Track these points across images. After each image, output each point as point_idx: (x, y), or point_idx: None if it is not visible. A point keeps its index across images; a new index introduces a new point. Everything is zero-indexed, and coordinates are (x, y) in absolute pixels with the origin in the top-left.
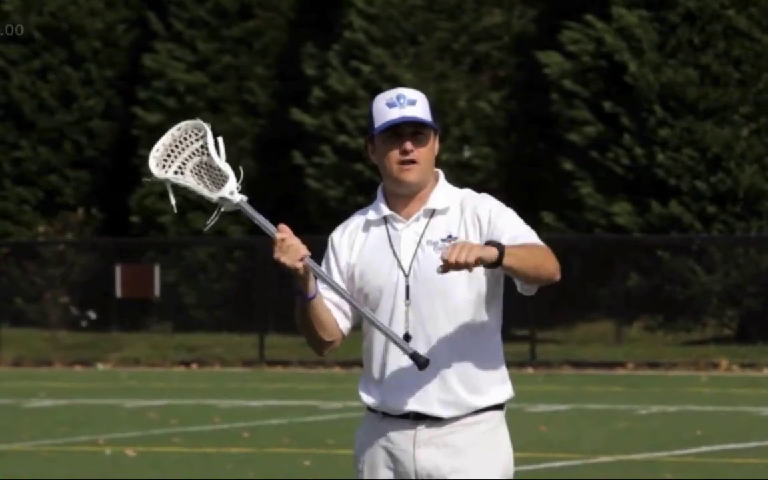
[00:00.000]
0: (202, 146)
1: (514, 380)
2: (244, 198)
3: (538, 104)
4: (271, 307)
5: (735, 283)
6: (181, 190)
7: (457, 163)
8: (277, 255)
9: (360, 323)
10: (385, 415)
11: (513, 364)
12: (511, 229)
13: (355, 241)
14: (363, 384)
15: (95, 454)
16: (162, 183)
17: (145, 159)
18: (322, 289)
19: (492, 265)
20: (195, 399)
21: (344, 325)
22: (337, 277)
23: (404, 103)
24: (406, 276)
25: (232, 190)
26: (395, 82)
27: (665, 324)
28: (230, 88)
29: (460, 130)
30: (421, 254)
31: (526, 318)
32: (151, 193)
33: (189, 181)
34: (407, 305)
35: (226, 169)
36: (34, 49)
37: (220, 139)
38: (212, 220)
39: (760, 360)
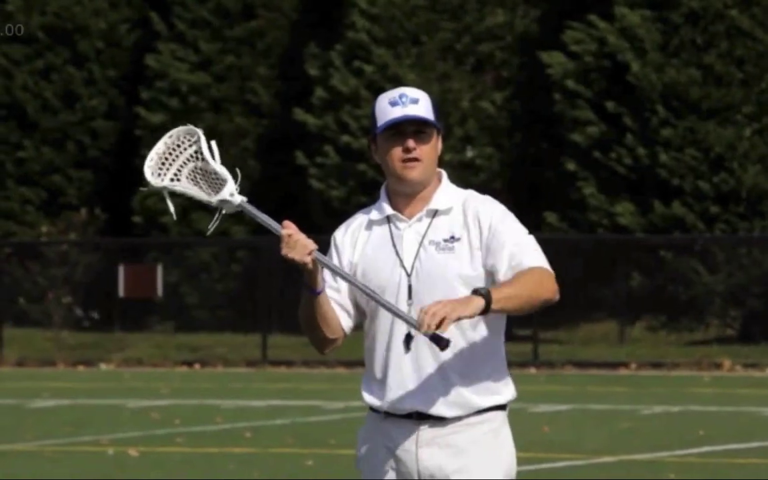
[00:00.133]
0: (196, 151)
1: (517, 380)
2: (245, 198)
3: (541, 104)
4: (274, 307)
5: (738, 284)
6: (180, 194)
7: (460, 163)
8: (284, 251)
9: (361, 323)
10: (388, 414)
11: (515, 364)
12: (511, 242)
13: (357, 240)
14: (365, 384)
15: (98, 454)
16: (159, 191)
17: None
18: (327, 288)
19: (480, 312)
20: (198, 399)
21: (347, 323)
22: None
23: (407, 102)
24: (409, 275)
25: (232, 192)
26: (398, 83)
27: (668, 324)
28: (233, 88)
29: (463, 130)
30: (424, 254)
31: (529, 318)
32: (154, 194)
33: (186, 187)
34: (409, 305)
35: (223, 171)
36: (37, 49)
37: (213, 143)
38: (214, 224)
39: (762, 360)
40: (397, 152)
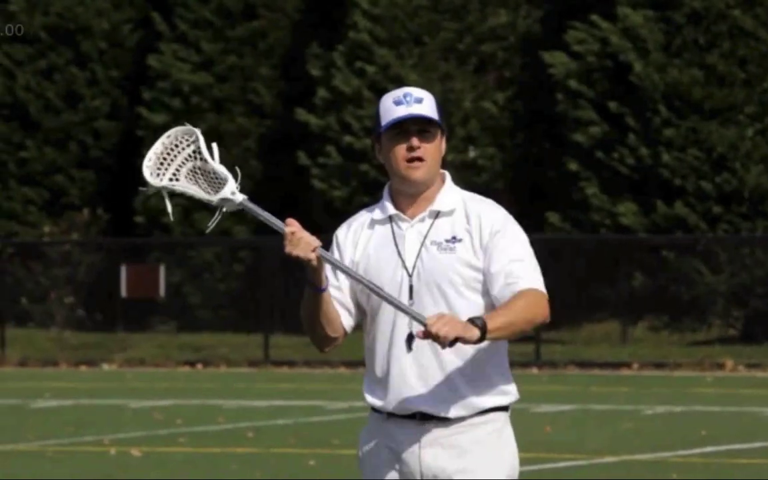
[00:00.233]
0: (194, 151)
1: (519, 380)
2: (246, 197)
3: (543, 104)
4: (276, 307)
5: (740, 284)
6: (181, 194)
7: (463, 164)
8: (288, 249)
9: (362, 323)
10: (390, 415)
11: (518, 364)
12: (508, 258)
13: (359, 239)
14: (367, 384)
15: (100, 454)
16: (159, 191)
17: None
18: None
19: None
20: (200, 399)
21: (348, 322)
22: (341, 274)
23: (411, 101)
24: (410, 275)
25: (233, 191)
26: (400, 83)
27: (670, 324)
28: (235, 88)
29: (465, 130)
30: (425, 254)
31: None
32: (156, 194)
33: (186, 186)
34: (410, 304)
35: (223, 171)
36: (39, 50)
37: (214, 144)
38: (213, 222)
39: (765, 360)
40: (401, 151)
